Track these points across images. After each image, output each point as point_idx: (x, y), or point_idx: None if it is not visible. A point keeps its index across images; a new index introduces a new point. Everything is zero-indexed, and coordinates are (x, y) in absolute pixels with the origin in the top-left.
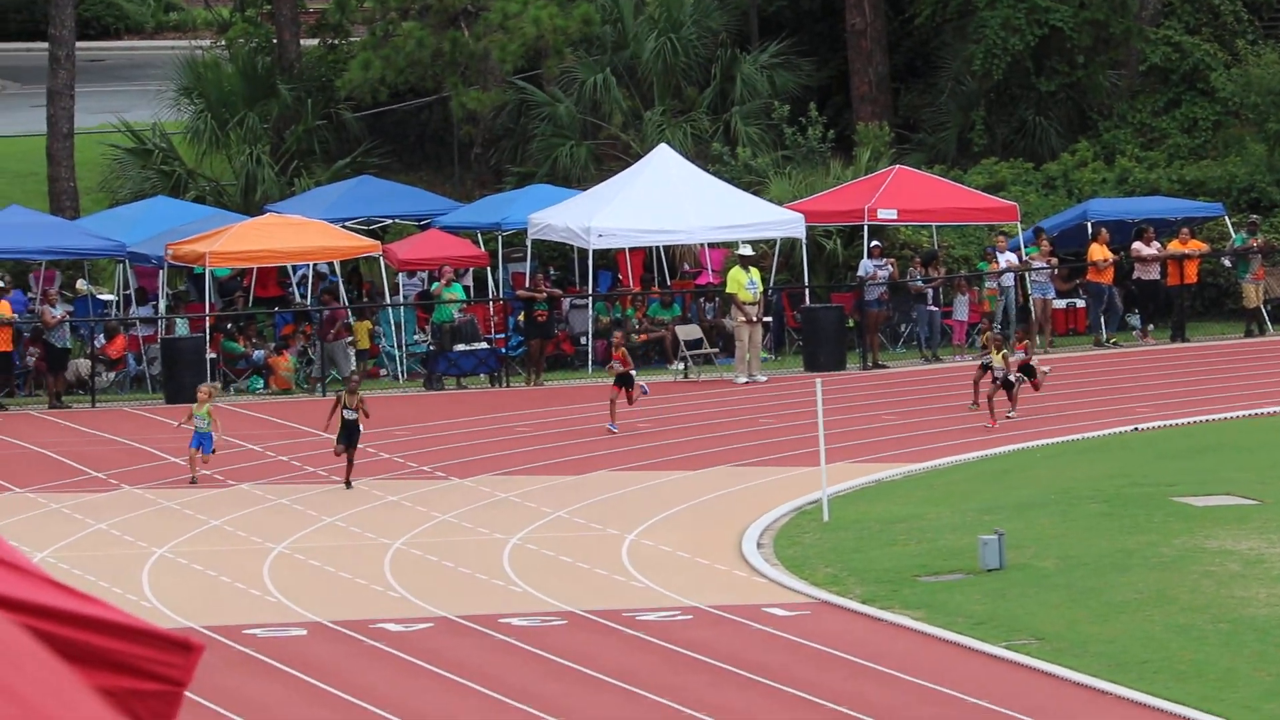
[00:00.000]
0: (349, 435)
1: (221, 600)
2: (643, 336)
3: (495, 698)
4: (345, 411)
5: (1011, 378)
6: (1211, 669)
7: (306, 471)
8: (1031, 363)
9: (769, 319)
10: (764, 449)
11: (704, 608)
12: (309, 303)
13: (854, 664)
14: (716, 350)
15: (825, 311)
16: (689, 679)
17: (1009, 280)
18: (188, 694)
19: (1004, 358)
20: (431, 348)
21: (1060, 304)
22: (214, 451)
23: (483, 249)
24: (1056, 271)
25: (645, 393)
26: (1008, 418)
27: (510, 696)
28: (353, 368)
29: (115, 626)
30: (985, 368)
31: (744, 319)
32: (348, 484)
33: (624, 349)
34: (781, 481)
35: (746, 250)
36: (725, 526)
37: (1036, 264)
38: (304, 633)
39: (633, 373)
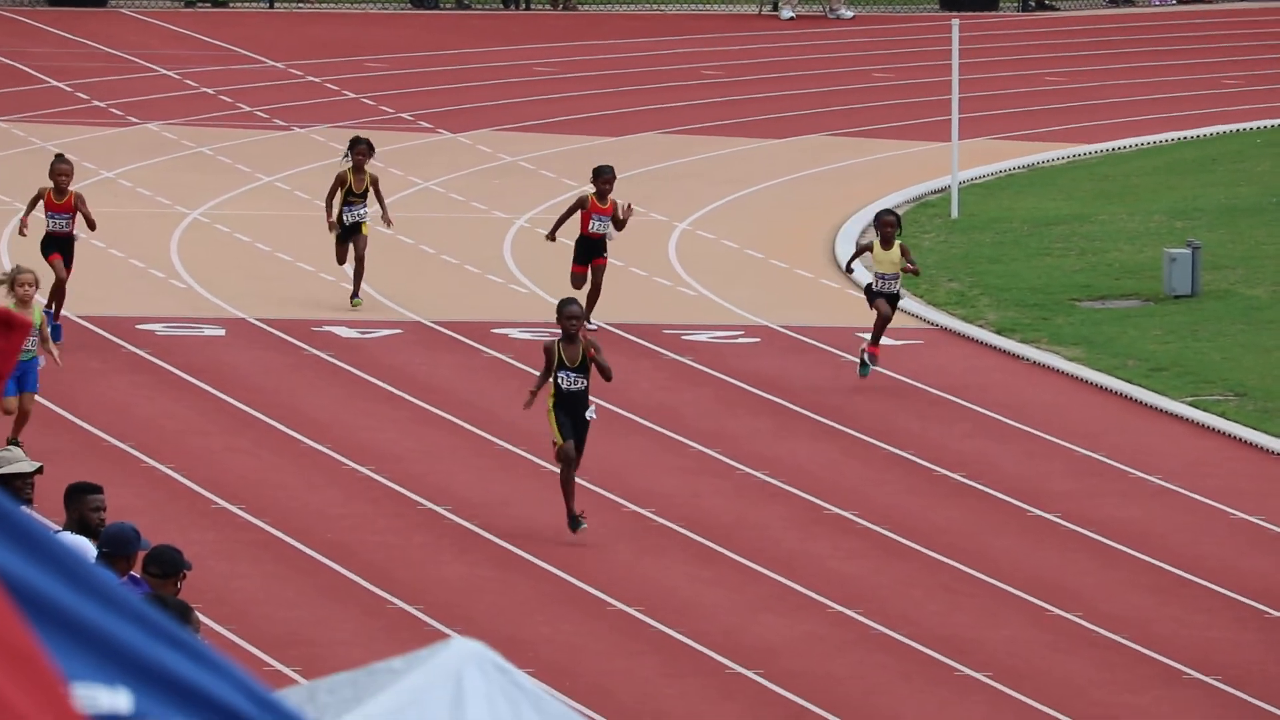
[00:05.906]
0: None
1: (117, 284)
2: None
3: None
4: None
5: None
6: None
7: (241, 111)
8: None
9: None
10: (874, 114)
11: (776, 328)
12: None
13: (978, 415)
14: None
15: None
16: (745, 424)
17: None
18: None
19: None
20: None
21: None
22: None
23: None
24: None
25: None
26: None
27: (491, 431)
28: None
29: None
30: None
31: None
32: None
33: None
34: (896, 161)
35: None
36: (814, 219)
37: None
38: (223, 332)
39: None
